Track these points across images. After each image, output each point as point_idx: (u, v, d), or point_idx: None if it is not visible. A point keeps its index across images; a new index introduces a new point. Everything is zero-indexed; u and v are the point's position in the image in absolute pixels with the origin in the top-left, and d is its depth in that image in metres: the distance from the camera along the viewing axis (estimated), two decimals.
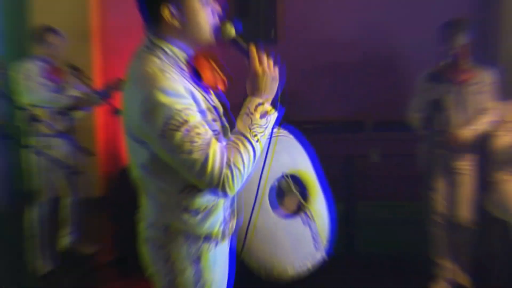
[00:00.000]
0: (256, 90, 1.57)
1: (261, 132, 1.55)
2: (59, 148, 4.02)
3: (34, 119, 2.99)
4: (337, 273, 3.82)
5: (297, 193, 2.07)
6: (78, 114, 4.13)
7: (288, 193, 2.09)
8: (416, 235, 3.75)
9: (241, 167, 1.49)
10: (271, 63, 1.58)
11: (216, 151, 1.47)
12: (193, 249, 1.66)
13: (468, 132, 3.46)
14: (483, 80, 3.54)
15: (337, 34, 5.08)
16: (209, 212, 1.65)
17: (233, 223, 1.78)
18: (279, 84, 1.62)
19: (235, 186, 1.51)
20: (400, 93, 3.82)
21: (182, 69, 1.59)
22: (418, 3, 4.90)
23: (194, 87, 1.57)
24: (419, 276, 3.69)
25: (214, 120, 1.59)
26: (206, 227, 1.66)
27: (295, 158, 2.08)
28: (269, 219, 1.99)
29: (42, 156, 3.90)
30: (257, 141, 1.53)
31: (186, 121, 1.45)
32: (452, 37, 3.48)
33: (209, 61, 1.71)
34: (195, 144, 1.45)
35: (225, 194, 1.54)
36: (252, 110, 1.55)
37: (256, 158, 1.56)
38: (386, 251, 4.24)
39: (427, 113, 3.52)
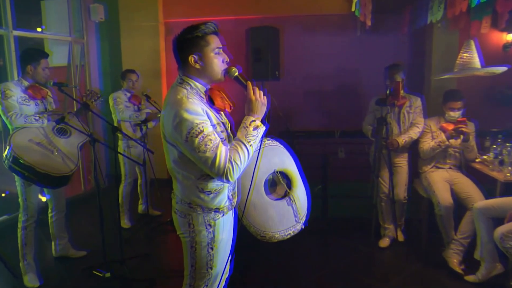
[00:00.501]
0: (250, 111, 1.63)
1: (253, 140, 1.60)
2: (135, 148, 4.16)
3: (118, 130, 3.17)
4: (316, 231, 3.94)
5: (284, 184, 2.06)
6: (150, 125, 4.25)
7: (278, 184, 2.08)
8: (369, 206, 3.78)
9: (238, 163, 1.56)
10: (261, 94, 1.64)
11: (222, 151, 1.54)
12: (207, 218, 1.71)
13: (403, 139, 3.55)
14: (413, 104, 3.62)
15: (319, 71, 5.21)
16: (218, 193, 1.70)
17: (234, 200, 1.80)
18: (266, 108, 1.67)
19: (235, 175, 1.57)
20: (359, 112, 3.92)
21: (201, 97, 1.66)
22: (374, 52, 5.01)
23: (209, 109, 1.63)
24: (370, 234, 3.74)
25: (221, 131, 1.65)
26: (216, 203, 1.71)
27: (283, 160, 2.08)
28: (264, 200, 1.98)
29: (125, 153, 4.13)
30: (250, 145, 1.58)
31: (202, 131, 1.53)
32: (392, 75, 3.55)
33: (219, 92, 1.76)
34: (208, 146, 1.53)
35: (228, 181, 1.60)
36: (247, 124, 1.60)
37: (249, 157, 1.60)
38: (350, 216, 4.30)
39: (375, 126, 3.58)
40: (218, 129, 1.65)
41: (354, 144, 4.21)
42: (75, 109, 3.39)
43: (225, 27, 5.50)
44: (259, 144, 1.74)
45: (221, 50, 1.69)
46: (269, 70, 4.78)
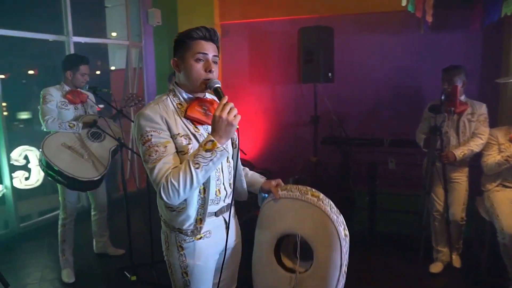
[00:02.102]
0: (212, 130, 1.41)
1: (204, 163, 1.38)
2: None
3: None
4: (361, 245, 3.61)
5: (297, 259, 1.70)
6: None
7: (291, 251, 1.76)
8: (420, 222, 3.34)
9: (175, 183, 1.38)
10: (232, 113, 1.38)
11: (162, 166, 1.40)
12: (178, 238, 1.57)
13: (461, 151, 3.06)
14: (476, 112, 3.11)
15: (374, 73, 4.77)
16: (179, 212, 1.54)
17: (201, 226, 1.56)
18: (234, 131, 1.41)
19: (171, 196, 1.39)
20: (414, 118, 3.48)
21: (180, 105, 1.52)
22: (437, 52, 4.46)
23: (178, 118, 1.49)
24: (420, 256, 3.32)
25: (187, 143, 1.48)
26: (178, 223, 1.55)
27: (302, 222, 1.68)
28: (267, 267, 1.76)
29: None
30: (196, 168, 1.38)
31: (149, 140, 1.43)
32: (449, 78, 3.10)
33: (201, 104, 1.55)
34: (151, 157, 1.42)
35: (164, 200, 1.41)
36: (202, 144, 1.39)
37: (195, 181, 1.39)
38: (398, 233, 3.86)
39: (428, 136, 3.18)
40: (181, 141, 1.48)
41: (406, 155, 3.75)
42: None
43: (279, 28, 5.35)
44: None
45: (207, 57, 1.50)
46: (320, 72, 4.49)
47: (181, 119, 1.50)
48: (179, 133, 1.48)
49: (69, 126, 2.97)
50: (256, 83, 5.59)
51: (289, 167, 5.10)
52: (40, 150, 2.80)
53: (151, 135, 1.44)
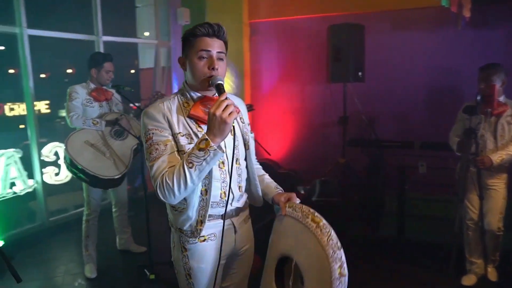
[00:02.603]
0: (207, 128, 1.35)
1: (197, 162, 1.33)
2: None
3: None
4: (389, 253, 3.48)
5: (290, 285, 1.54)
6: None
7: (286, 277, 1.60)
8: (452, 230, 3.15)
9: (170, 183, 1.35)
10: (228, 110, 1.31)
11: (160, 164, 1.39)
12: (182, 239, 1.55)
13: (499, 156, 2.84)
14: None
15: (406, 75, 4.55)
16: (180, 212, 1.52)
17: (200, 227, 1.52)
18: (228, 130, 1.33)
19: (166, 194, 1.37)
20: (449, 120, 3.27)
21: (187, 104, 1.50)
22: (476, 50, 4.19)
23: (182, 117, 1.47)
24: (452, 264, 3.11)
25: (189, 142, 1.45)
26: (179, 223, 1.54)
27: (297, 245, 1.50)
28: (267, 283, 1.62)
29: None
30: (190, 167, 1.34)
31: (150, 137, 1.44)
32: (486, 77, 2.88)
33: (205, 103, 1.52)
34: (151, 155, 1.42)
35: (160, 197, 1.39)
36: (197, 143, 1.35)
37: (189, 181, 1.35)
38: (429, 241, 3.62)
39: (462, 139, 2.98)
40: (181, 140, 1.46)
41: (438, 158, 3.54)
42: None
43: (308, 26, 5.23)
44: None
45: (210, 54, 1.46)
46: (349, 71, 4.34)
47: (184, 118, 1.48)
48: (180, 132, 1.46)
49: (93, 123, 3.01)
50: (285, 82, 5.50)
51: (317, 168, 4.98)
52: (65, 147, 2.85)
53: (153, 133, 1.44)
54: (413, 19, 4.50)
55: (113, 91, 3.25)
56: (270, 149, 5.65)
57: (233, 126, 1.53)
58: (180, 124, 1.47)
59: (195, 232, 1.52)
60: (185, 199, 1.46)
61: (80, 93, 3.09)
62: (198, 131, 1.48)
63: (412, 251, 3.52)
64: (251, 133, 1.73)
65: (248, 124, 1.72)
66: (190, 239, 1.54)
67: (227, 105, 1.32)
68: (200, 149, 1.33)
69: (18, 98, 4.08)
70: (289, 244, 1.54)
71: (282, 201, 1.60)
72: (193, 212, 1.49)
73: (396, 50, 4.61)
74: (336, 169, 4.75)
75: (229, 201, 1.56)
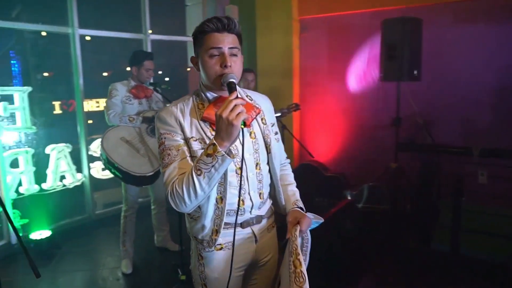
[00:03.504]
0: (215, 131, 1.25)
1: (205, 169, 1.24)
2: None
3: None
4: (443, 270, 3.15)
5: None
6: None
7: None
8: None
9: (179, 191, 1.28)
10: (235, 111, 1.20)
11: (171, 171, 1.33)
12: (196, 246, 1.50)
13: None
14: None
15: (468, 74, 4.09)
16: (195, 220, 1.45)
17: (215, 237, 1.44)
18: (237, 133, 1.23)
19: (177, 203, 1.30)
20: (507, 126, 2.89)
21: (202, 106, 1.42)
22: None
23: (196, 121, 1.39)
24: None
25: (202, 148, 1.36)
26: (194, 231, 1.47)
27: None
28: None
29: None
30: (199, 174, 1.25)
31: (163, 142, 1.38)
32: None
33: (220, 104, 1.38)
34: (164, 161, 1.36)
35: (172, 206, 1.32)
36: (205, 148, 1.26)
37: (199, 189, 1.26)
38: (488, 259, 3.22)
39: None
40: (194, 145, 1.38)
41: (500, 167, 3.14)
42: None
43: (361, 21, 4.94)
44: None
45: (222, 51, 1.36)
46: (404, 68, 4.02)
47: (198, 121, 1.40)
48: (192, 137, 1.38)
49: (129, 120, 3.04)
50: (335, 81, 5.25)
51: (366, 172, 4.70)
52: (101, 143, 2.90)
53: (165, 138, 1.38)
54: (478, 11, 4.05)
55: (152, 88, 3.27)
56: (318, 150, 5.44)
57: (249, 130, 1.47)
58: (193, 127, 1.39)
59: (210, 242, 1.44)
60: (199, 207, 1.39)
61: (120, 90, 3.14)
62: (212, 135, 1.37)
63: (467, 270, 3.16)
64: (276, 134, 1.60)
65: (273, 125, 1.59)
66: (202, 246, 1.48)
67: (235, 106, 1.21)
68: (207, 155, 1.24)
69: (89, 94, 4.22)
70: (283, 272, 1.47)
71: (290, 222, 1.48)
72: (207, 221, 1.42)
73: (457, 45, 4.18)
74: (387, 174, 4.43)
75: (247, 209, 1.47)
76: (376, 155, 4.71)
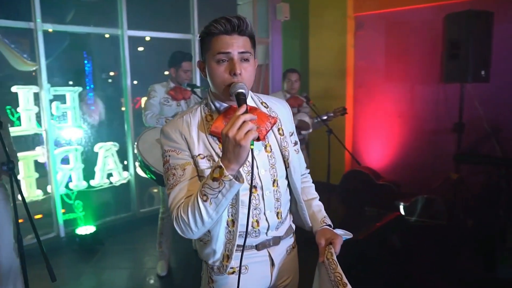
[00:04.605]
0: (222, 152, 1.09)
1: (211, 194, 1.09)
2: None
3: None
4: None
5: None
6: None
7: None
8: None
9: (185, 217, 1.13)
10: (243, 130, 1.04)
11: (177, 194, 1.20)
12: (206, 268, 1.36)
13: None
14: None
15: None
16: (205, 244, 1.30)
17: (226, 264, 1.29)
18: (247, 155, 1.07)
19: (183, 229, 1.16)
20: None
21: (210, 117, 1.27)
22: None
23: (203, 135, 1.24)
24: None
25: (210, 167, 1.21)
26: (203, 255, 1.32)
27: None
28: None
29: None
30: (204, 200, 1.10)
31: (167, 161, 1.24)
32: None
33: (230, 117, 1.22)
34: (169, 181, 1.22)
35: (178, 232, 1.18)
36: (212, 170, 1.10)
37: (205, 216, 1.12)
38: None
39: None
40: (201, 163, 1.22)
41: None
42: None
43: (421, 17, 4.50)
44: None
45: (231, 56, 1.19)
46: (469, 68, 3.61)
47: (206, 135, 1.24)
48: (199, 154, 1.23)
49: (165, 121, 2.99)
50: (393, 82, 4.87)
51: (422, 182, 4.31)
52: (136, 145, 2.87)
53: (169, 156, 1.23)
54: None
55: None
56: (370, 156, 5.09)
57: (263, 143, 1.30)
58: (200, 143, 1.23)
59: (221, 268, 1.30)
60: (208, 230, 1.24)
61: (159, 91, 3.10)
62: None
63: None
64: (295, 144, 1.41)
65: (291, 134, 1.41)
66: (212, 269, 1.34)
67: (244, 122, 1.05)
68: (213, 179, 1.09)
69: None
70: None
71: (322, 244, 1.30)
72: (218, 246, 1.27)
73: None
74: (446, 186, 4.01)
75: (263, 231, 1.31)
76: (434, 164, 4.29)
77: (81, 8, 4.28)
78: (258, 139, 1.22)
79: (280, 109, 1.40)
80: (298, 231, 1.50)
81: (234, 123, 1.05)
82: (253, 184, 1.27)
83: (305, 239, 1.63)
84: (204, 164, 1.21)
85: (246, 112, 1.08)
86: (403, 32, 4.65)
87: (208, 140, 1.23)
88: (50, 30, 3.61)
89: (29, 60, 3.56)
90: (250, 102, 1.31)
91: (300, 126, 3.68)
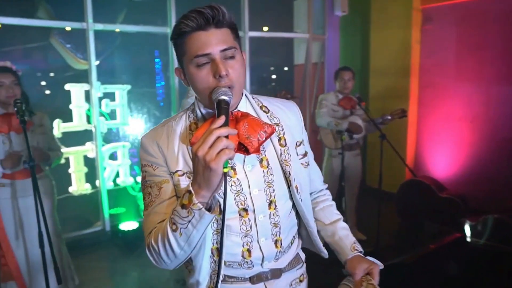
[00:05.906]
0: (193, 174, 0.90)
1: (181, 224, 0.90)
2: (338, 158, 3.51)
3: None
4: None
5: None
6: (343, 138, 3.37)
7: None
8: None
9: (155, 246, 0.96)
10: (216, 148, 0.83)
11: (151, 217, 1.02)
12: None
13: None
14: None
15: None
16: (189, 272, 1.10)
17: None
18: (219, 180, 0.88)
19: (156, 259, 1.00)
20: None
21: (195, 125, 1.07)
22: None
23: (185, 147, 1.04)
24: None
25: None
26: (189, 283, 1.11)
27: None
28: None
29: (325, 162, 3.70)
30: (174, 229, 0.91)
31: (144, 177, 1.07)
32: None
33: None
34: (144, 201, 1.06)
35: (152, 261, 1.02)
36: (182, 195, 0.91)
37: (175, 247, 0.94)
38: None
39: None
40: (179, 181, 1.02)
41: None
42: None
43: (501, 6, 3.87)
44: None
45: (212, 57, 0.97)
46: None
47: (187, 147, 1.04)
48: (177, 171, 1.03)
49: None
50: (464, 82, 4.29)
51: (494, 198, 3.73)
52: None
53: (146, 172, 1.06)
54: None
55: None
56: (437, 164, 4.55)
57: (261, 156, 1.09)
58: (179, 157, 1.04)
59: None
60: (190, 259, 1.05)
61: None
62: None
63: None
64: (303, 157, 1.17)
65: (299, 144, 1.16)
66: None
67: (218, 138, 0.84)
68: (183, 206, 0.90)
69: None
70: None
71: (358, 275, 1.11)
72: (202, 277, 1.07)
73: None
74: None
75: (257, 262, 1.09)
76: (510, 177, 3.67)
77: (131, 8, 4.33)
78: (248, 153, 0.99)
79: (285, 114, 1.16)
80: None
81: (206, 140, 0.84)
82: (243, 207, 1.06)
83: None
84: (184, 182, 1.02)
85: (225, 124, 0.87)
86: (479, 25, 4.04)
87: (189, 153, 1.03)
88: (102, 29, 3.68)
89: (82, 59, 3.66)
90: (244, 106, 1.09)
91: (351, 129, 3.36)
